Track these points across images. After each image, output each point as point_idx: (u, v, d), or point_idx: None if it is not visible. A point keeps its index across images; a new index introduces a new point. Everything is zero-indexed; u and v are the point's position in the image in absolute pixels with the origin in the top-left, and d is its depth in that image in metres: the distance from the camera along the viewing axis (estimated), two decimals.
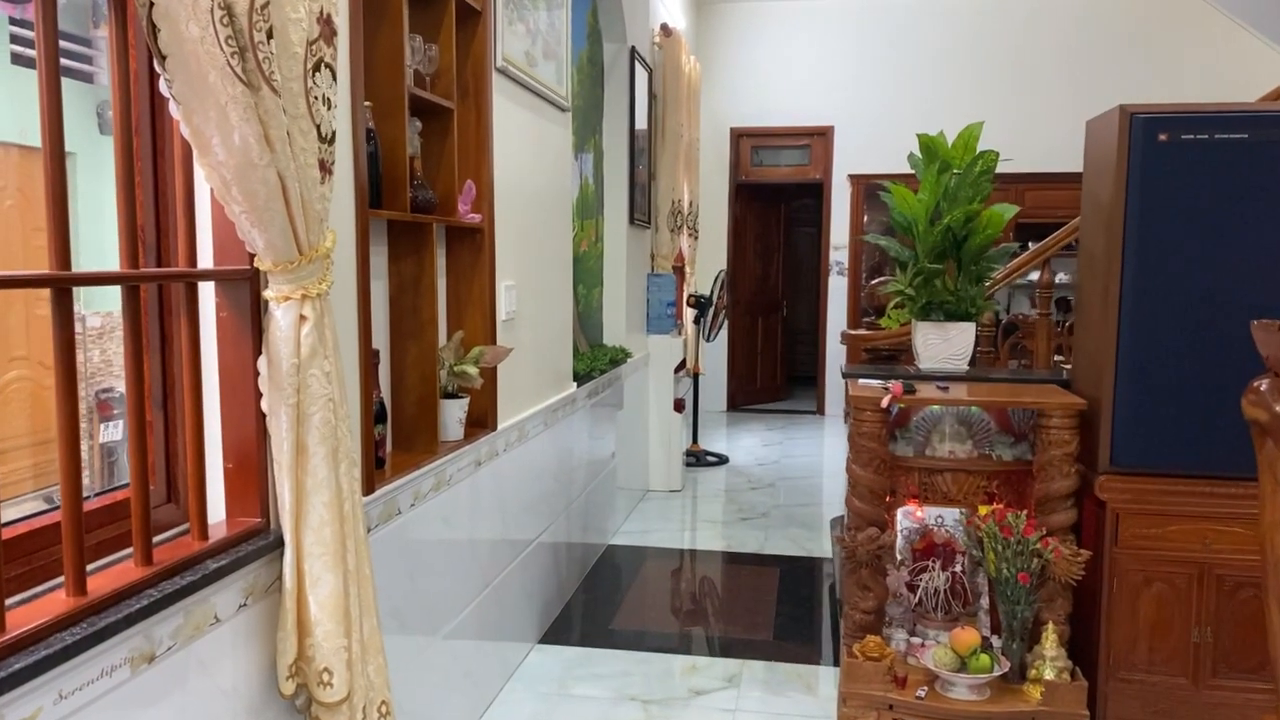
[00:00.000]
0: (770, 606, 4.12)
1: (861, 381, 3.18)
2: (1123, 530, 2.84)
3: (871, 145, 8.61)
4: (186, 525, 1.89)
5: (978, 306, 3.34)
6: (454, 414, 2.87)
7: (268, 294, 1.80)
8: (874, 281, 4.73)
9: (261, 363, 1.83)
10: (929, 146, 3.38)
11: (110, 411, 5.59)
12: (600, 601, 4.16)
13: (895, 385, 2.95)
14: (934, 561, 3.14)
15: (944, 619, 3.09)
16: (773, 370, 9.68)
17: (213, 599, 1.72)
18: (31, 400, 5.38)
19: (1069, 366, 4.37)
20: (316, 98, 1.77)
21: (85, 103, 5.63)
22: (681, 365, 6.22)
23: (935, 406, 3.09)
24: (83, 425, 5.26)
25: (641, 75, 5.58)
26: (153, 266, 1.84)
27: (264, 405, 1.84)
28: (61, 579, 1.50)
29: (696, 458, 6.83)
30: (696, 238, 7.64)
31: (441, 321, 2.95)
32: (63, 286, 1.41)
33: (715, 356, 8.71)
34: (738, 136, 8.95)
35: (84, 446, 5.25)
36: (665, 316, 5.97)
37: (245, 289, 1.84)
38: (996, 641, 2.96)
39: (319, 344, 1.82)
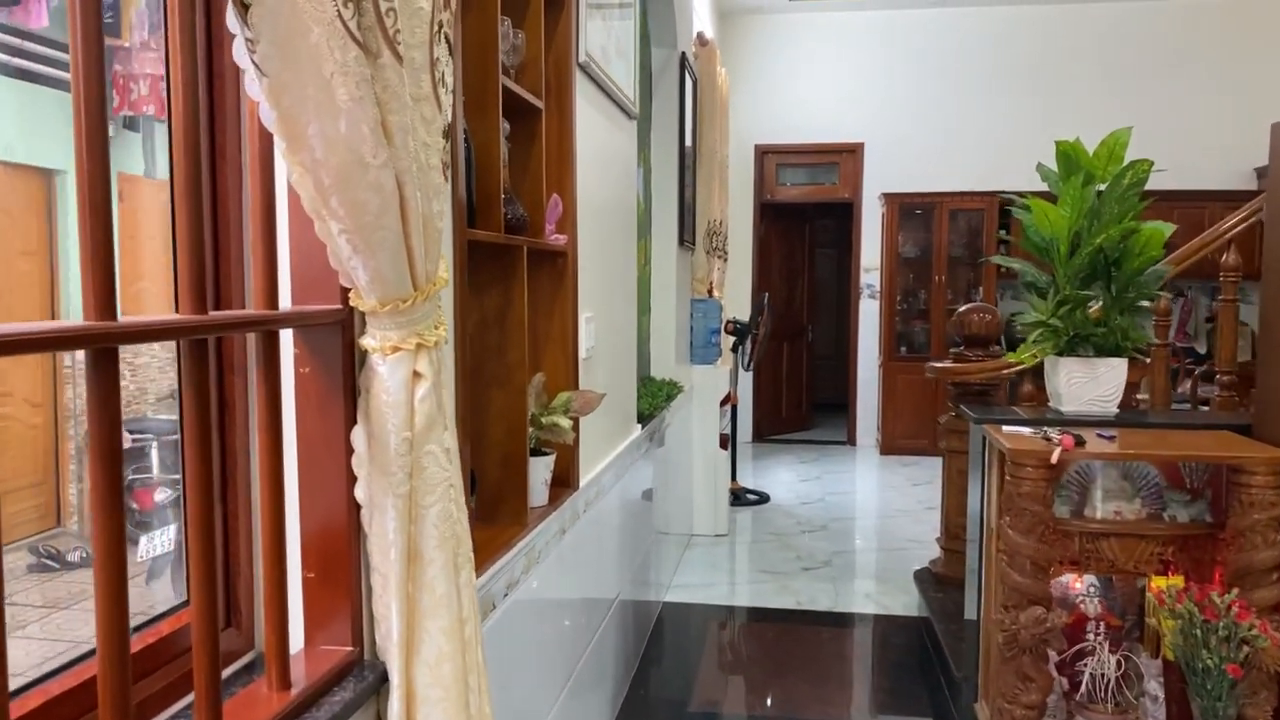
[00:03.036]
0: (864, 679, 3.62)
1: (1008, 429, 2.71)
2: None
3: (905, 163, 8.21)
4: (251, 655, 1.40)
5: (1130, 340, 2.89)
6: (540, 474, 2.38)
7: (368, 343, 1.31)
8: (964, 307, 4.27)
9: (358, 436, 1.34)
10: (1069, 155, 2.92)
11: None
12: (669, 676, 3.65)
13: (1065, 437, 2.48)
14: (1099, 642, 2.67)
15: (1114, 712, 2.62)
16: (798, 398, 9.22)
17: None
18: (16, 441, 4.80)
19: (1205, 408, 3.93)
20: (440, 75, 1.29)
21: None
22: (727, 398, 5.74)
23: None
24: (71, 468, 4.60)
25: (689, 85, 5.14)
26: (211, 309, 1.34)
27: (360, 494, 1.35)
28: None
29: (736, 496, 6.34)
30: (726, 260, 7.19)
31: None
32: (106, 346, 0.92)
33: (740, 385, 8.24)
34: (762, 154, 8.52)
35: (73, 490, 4.60)
36: (710, 345, 5.49)
37: (336, 337, 1.35)
38: None
39: (437, 411, 1.34)
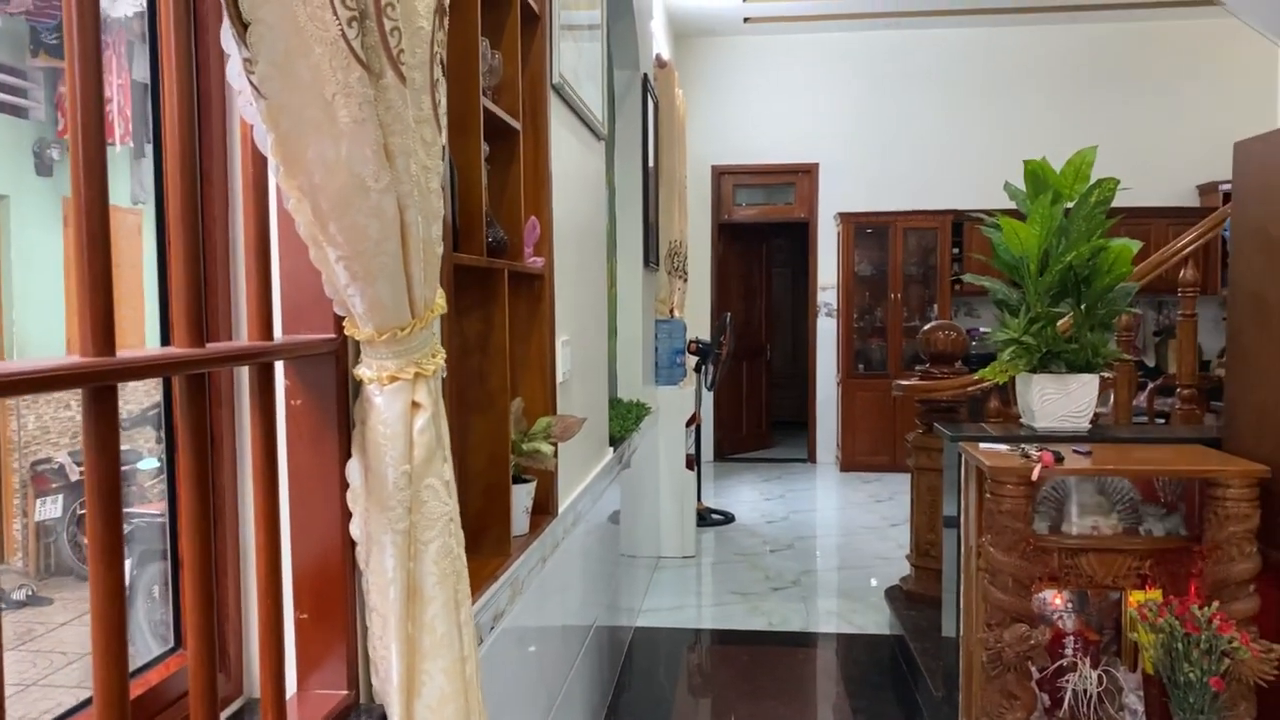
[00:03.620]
0: (841, 700, 3.61)
1: (985, 447, 2.72)
2: None
3: (859, 183, 8.31)
4: (241, 701, 1.33)
5: (1101, 356, 2.92)
6: (522, 502, 2.33)
7: (364, 373, 1.26)
8: (930, 325, 4.30)
9: (353, 470, 1.29)
10: (1037, 174, 2.96)
11: (48, 485, 4.84)
12: (644, 704, 3.60)
13: (1045, 454, 2.49)
14: (1080, 658, 2.68)
15: None
16: (758, 417, 9.24)
17: None
18: None
19: (1161, 420, 3.98)
20: (439, 97, 1.26)
21: (21, 139, 4.93)
22: (692, 418, 5.73)
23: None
24: (15, 502, 4.42)
25: (651, 107, 5.14)
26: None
27: (355, 530, 1.30)
28: None
29: (701, 517, 6.31)
30: (685, 280, 7.20)
31: None
32: (105, 384, 0.87)
33: (702, 405, 8.24)
34: (719, 175, 8.57)
35: (17, 525, 4.43)
36: (675, 366, 5.48)
37: (329, 367, 1.30)
38: None
39: (436, 442, 1.29)
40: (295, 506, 1.32)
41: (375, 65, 1.08)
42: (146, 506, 3.52)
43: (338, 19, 1.02)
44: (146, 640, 3.08)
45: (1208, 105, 7.88)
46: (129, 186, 4.40)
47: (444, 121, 1.28)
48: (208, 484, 1.03)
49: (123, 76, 4.23)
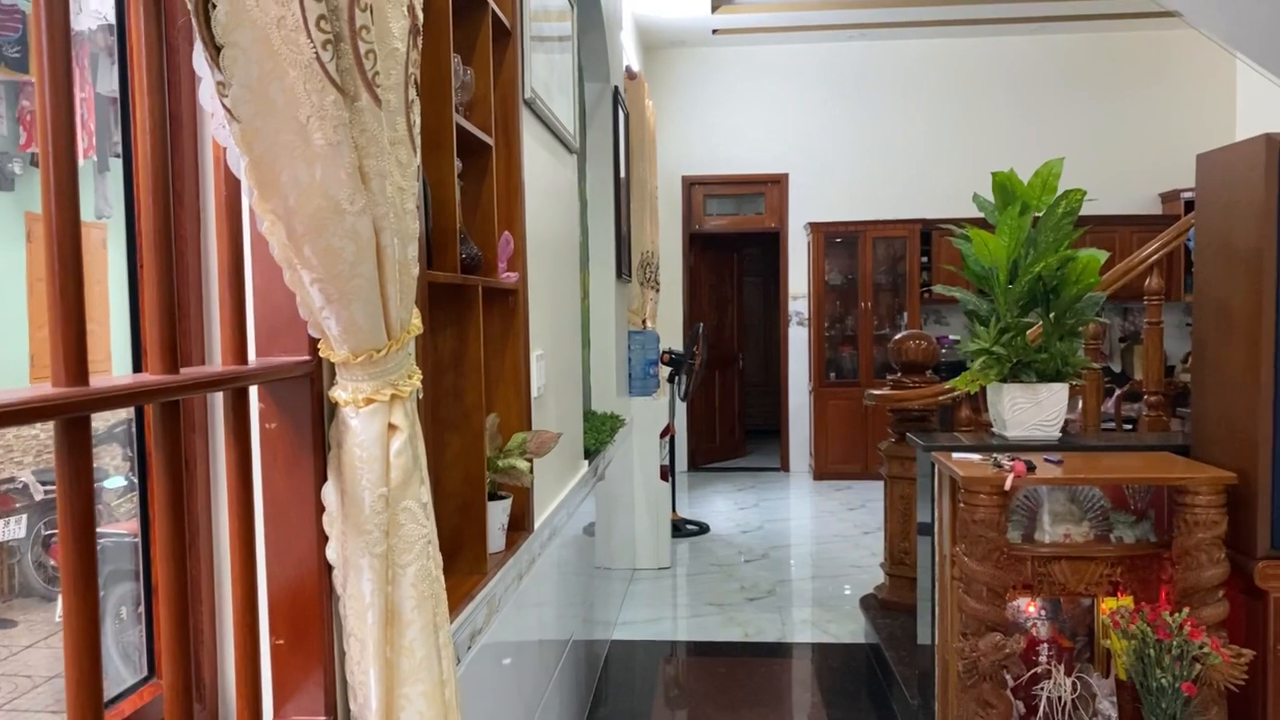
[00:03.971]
0: (819, 710, 3.61)
1: (959, 456, 2.75)
2: None
3: (828, 192, 8.37)
4: None
5: (1071, 365, 2.95)
6: (498, 519, 2.32)
7: (339, 395, 1.25)
8: (901, 334, 4.33)
9: (329, 493, 1.27)
10: (1005, 185, 2.99)
11: (11, 505, 4.77)
12: (621, 718, 3.59)
13: (1017, 463, 2.52)
14: (1054, 665, 2.70)
15: None
16: (731, 426, 9.26)
17: None
18: None
19: (1129, 426, 4.03)
20: (414, 117, 1.25)
21: None
22: (666, 429, 5.73)
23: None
24: None
25: (622, 118, 5.16)
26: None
27: (331, 554, 1.29)
28: None
29: (676, 527, 6.31)
30: (658, 291, 7.22)
31: None
32: (78, 415, 0.85)
33: (676, 415, 8.24)
34: (690, 185, 8.59)
35: None
36: (648, 377, 5.48)
37: (304, 390, 1.28)
38: None
39: (413, 464, 1.28)
40: (271, 531, 1.30)
41: (350, 88, 1.08)
42: (114, 526, 3.46)
43: (312, 42, 1.02)
44: (115, 664, 3.03)
45: (1169, 114, 8.01)
46: (93, 201, 4.34)
47: (419, 142, 1.28)
48: (182, 510, 1.02)
49: (86, 90, 4.18)
